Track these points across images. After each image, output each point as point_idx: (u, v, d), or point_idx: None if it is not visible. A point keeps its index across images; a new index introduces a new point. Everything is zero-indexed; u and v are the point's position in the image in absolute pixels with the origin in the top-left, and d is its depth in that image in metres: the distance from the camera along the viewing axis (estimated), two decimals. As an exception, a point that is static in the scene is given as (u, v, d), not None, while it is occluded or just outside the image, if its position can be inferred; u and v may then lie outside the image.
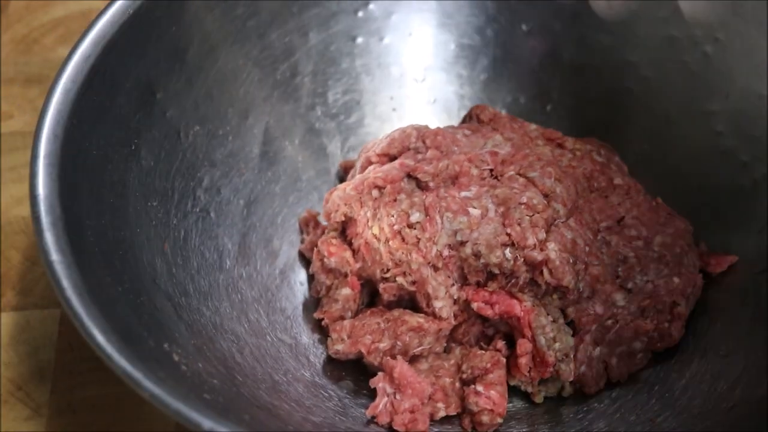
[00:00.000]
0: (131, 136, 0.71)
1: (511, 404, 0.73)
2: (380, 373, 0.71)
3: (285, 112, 0.87)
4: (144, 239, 0.69)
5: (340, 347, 0.74)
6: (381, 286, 0.75)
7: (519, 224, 0.71)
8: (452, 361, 0.74)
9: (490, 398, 0.69)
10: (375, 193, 0.75)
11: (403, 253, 0.73)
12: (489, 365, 0.71)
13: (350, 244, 0.78)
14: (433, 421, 0.71)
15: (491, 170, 0.75)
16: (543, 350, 0.70)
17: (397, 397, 0.69)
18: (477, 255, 0.71)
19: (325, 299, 0.79)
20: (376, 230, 0.74)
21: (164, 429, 0.75)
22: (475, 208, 0.72)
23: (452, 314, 0.73)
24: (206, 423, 0.53)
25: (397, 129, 0.81)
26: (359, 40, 0.89)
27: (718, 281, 0.77)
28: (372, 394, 0.71)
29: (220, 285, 0.75)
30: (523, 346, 0.71)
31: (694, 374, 0.71)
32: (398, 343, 0.73)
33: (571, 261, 0.71)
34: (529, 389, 0.74)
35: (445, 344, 0.75)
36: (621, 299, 0.73)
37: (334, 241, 0.78)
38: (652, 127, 0.86)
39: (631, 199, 0.80)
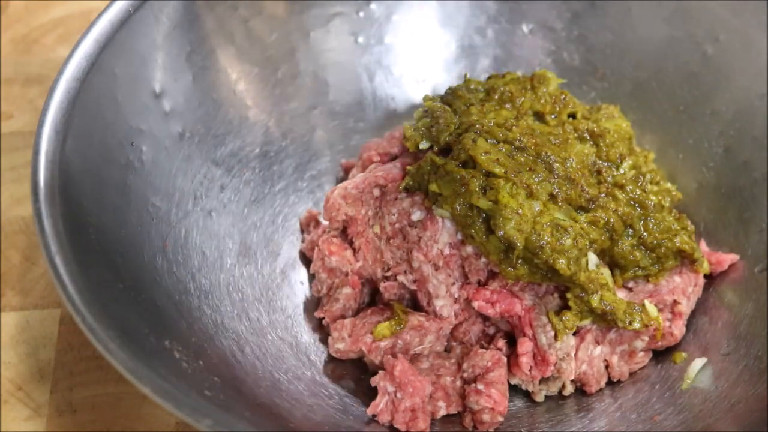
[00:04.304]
0: (132, 135, 0.72)
1: (511, 403, 0.73)
2: (381, 372, 0.71)
3: (285, 112, 0.87)
4: (145, 237, 0.69)
5: (341, 346, 0.74)
6: (382, 285, 0.75)
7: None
8: (453, 360, 0.74)
9: (491, 397, 0.69)
10: (376, 191, 0.75)
11: (404, 251, 0.73)
12: (490, 364, 0.71)
13: (351, 243, 0.78)
14: (433, 419, 0.71)
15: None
16: (544, 349, 0.70)
17: (398, 395, 0.69)
18: (478, 254, 0.71)
19: (326, 298, 0.78)
20: (377, 229, 0.74)
21: (164, 428, 0.74)
22: (476, 206, 0.72)
23: (453, 313, 0.73)
24: (207, 419, 0.53)
25: (398, 128, 0.81)
26: (360, 40, 0.89)
27: (718, 281, 0.78)
28: (373, 393, 0.71)
29: (221, 284, 0.75)
30: (524, 344, 0.71)
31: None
32: (399, 341, 0.73)
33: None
34: (530, 388, 0.74)
35: (446, 343, 0.75)
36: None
37: (335, 240, 0.78)
38: (652, 127, 0.86)
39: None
